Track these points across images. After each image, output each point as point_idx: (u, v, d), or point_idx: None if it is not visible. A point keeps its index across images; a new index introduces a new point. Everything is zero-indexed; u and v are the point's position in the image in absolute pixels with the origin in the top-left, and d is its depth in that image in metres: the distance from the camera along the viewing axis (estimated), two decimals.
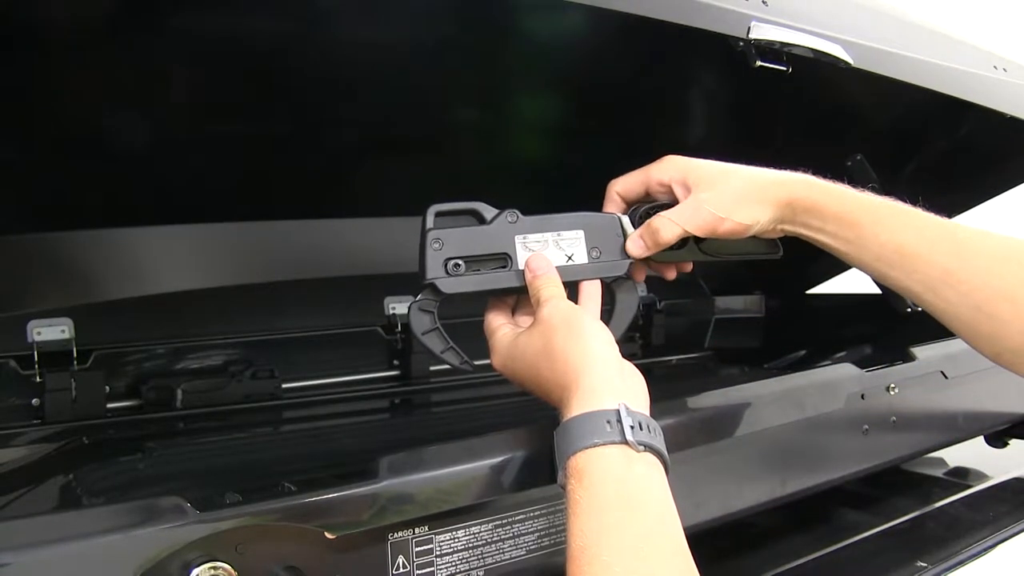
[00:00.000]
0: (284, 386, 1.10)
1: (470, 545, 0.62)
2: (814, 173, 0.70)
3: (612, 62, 1.01)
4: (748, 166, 0.71)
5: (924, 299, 0.67)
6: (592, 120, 1.15)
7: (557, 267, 0.69)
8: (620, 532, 0.51)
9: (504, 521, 0.64)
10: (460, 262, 0.68)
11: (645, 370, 0.63)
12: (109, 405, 0.99)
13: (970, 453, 1.22)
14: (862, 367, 0.95)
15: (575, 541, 0.52)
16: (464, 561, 0.62)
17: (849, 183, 0.70)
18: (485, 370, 0.70)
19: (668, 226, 0.69)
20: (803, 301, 1.64)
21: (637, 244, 0.72)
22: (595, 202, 0.74)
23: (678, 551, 0.52)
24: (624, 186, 0.74)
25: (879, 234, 0.66)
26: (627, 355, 0.63)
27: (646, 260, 0.75)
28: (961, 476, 1.21)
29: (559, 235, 0.71)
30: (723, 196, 0.68)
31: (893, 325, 1.31)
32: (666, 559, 0.51)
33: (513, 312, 0.72)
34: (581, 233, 0.72)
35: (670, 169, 0.71)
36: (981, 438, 1.22)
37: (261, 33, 0.81)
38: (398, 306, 1.20)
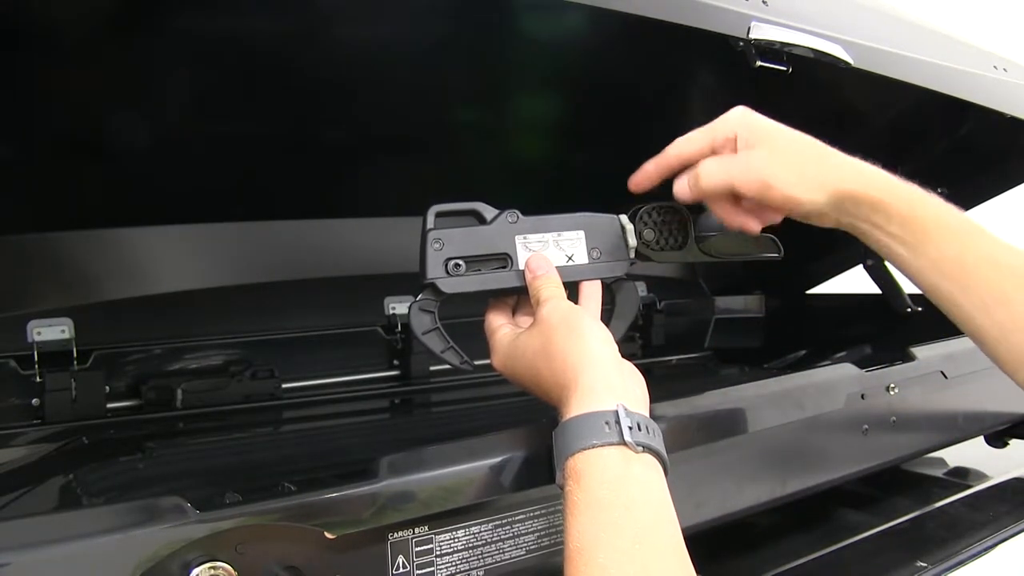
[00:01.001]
0: (284, 386, 1.10)
1: (470, 545, 0.62)
2: None
3: (612, 62, 1.01)
4: (818, 141, 0.67)
5: (973, 319, 0.64)
6: (592, 120, 1.15)
7: (557, 267, 0.69)
8: (617, 533, 0.51)
9: (504, 521, 0.64)
10: (460, 262, 0.68)
11: (645, 370, 0.63)
12: (109, 405, 1.00)
13: (970, 453, 1.22)
14: (862, 367, 0.94)
15: (572, 542, 0.52)
16: (464, 561, 0.62)
17: None
18: (485, 370, 0.70)
19: (714, 172, 0.66)
20: (803, 301, 1.64)
21: (681, 184, 0.69)
22: (595, 202, 0.74)
23: (675, 552, 0.52)
24: (686, 145, 0.69)
25: (943, 244, 0.64)
26: (627, 355, 0.62)
27: (647, 260, 0.75)
28: (961, 476, 1.21)
29: (559, 235, 0.71)
30: (783, 162, 0.65)
31: (893, 325, 1.31)
32: (663, 560, 0.51)
33: (513, 312, 0.72)
34: (581, 234, 0.72)
35: (737, 122, 0.68)
36: (981, 438, 1.22)
37: (261, 33, 0.81)
38: (398, 306, 1.20)
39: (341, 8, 0.81)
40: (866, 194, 0.65)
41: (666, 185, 0.72)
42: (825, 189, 0.65)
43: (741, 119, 0.68)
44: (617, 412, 0.56)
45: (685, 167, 0.70)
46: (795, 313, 1.62)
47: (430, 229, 0.68)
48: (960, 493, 1.09)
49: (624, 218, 0.74)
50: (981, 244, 0.64)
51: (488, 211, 0.70)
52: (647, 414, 0.58)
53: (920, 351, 1.02)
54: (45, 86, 0.79)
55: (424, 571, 0.60)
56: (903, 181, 0.66)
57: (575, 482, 0.54)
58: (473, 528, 0.62)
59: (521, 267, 0.69)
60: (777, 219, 0.70)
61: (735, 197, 0.69)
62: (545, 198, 0.77)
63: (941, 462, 1.25)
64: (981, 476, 1.19)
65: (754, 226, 0.70)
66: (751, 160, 0.66)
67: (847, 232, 0.69)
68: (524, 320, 0.70)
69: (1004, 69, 1.14)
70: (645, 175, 0.72)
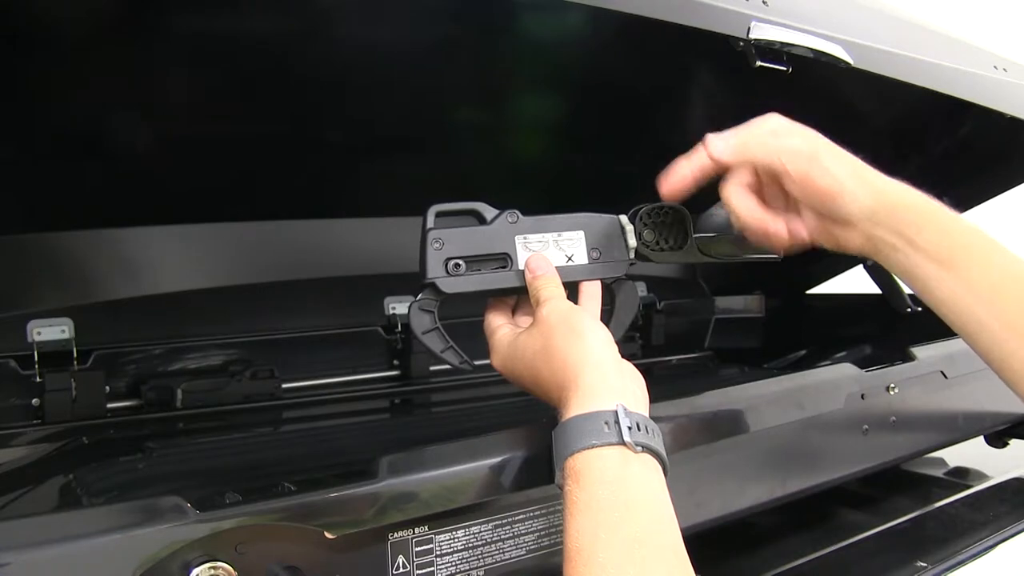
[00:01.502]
0: (284, 386, 1.10)
1: (470, 545, 0.62)
2: None
3: (612, 62, 1.01)
4: None
5: (1002, 344, 0.61)
6: (592, 120, 1.15)
7: (557, 267, 0.69)
8: (616, 533, 0.51)
9: (504, 521, 0.64)
10: (460, 262, 0.68)
11: (645, 370, 0.63)
12: (109, 405, 0.99)
13: (970, 453, 1.22)
14: (862, 367, 0.95)
15: (571, 542, 0.52)
16: (464, 561, 0.62)
17: None
18: (485, 370, 0.70)
19: (763, 141, 0.64)
20: (803, 301, 1.64)
21: (719, 143, 0.65)
22: (595, 202, 0.74)
23: (675, 552, 0.52)
24: (727, 146, 0.65)
25: (972, 260, 0.61)
26: (627, 355, 0.63)
27: (647, 260, 0.75)
28: (961, 476, 1.21)
29: (559, 235, 0.71)
30: (833, 152, 0.63)
31: (893, 325, 1.31)
32: (662, 560, 0.51)
33: (513, 312, 0.72)
34: (581, 234, 0.72)
35: (777, 121, 0.65)
36: (981, 438, 1.22)
37: (262, 33, 0.81)
38: (398, 306, 1.20)
39: (341, 8, 0.81)
40: (912, 203, 0.63)
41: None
42: (874, 189, 0.62)
43: (779, 119, 0.66)
44: (616, 412, 0.56)
45: (724, 170, 0.66)
46: (795, 313, 1.62)
47: (430, 229, 0.68)
48: (960, 493, 1.09)
49: (624, 218, 0.74)
50: (1007, 262, 0.62)
51: (488, 211, 0.70)
52: (647, 414, 0.58)
53: (920, 351, 1.02)
54: (45, 86, 0.79)
55: (424, 571, 0.60)
56: (930, 197, 0.64)
57: (574, 482, 0.54)
58: (473, 528, 0.62)
59: (521, 267, 0.69)
60: (800, 232, 0.66)
61: (760, 186, 0.66)
62: (545, 198, 0.77)
63: (941, 462, 1.25)
64: (981, 476, 1.19)
65: (770, 228, 0.66)
66: (802, 139, 0.64)
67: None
68: (524, 320, 0.70)
69: (1004, 69, 1.14)
70: (680, 179, 0.67)
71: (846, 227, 0.64)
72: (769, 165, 0.64)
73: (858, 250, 0.65)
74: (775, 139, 0.64)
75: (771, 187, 0.66)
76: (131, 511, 0.50)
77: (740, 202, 0.66)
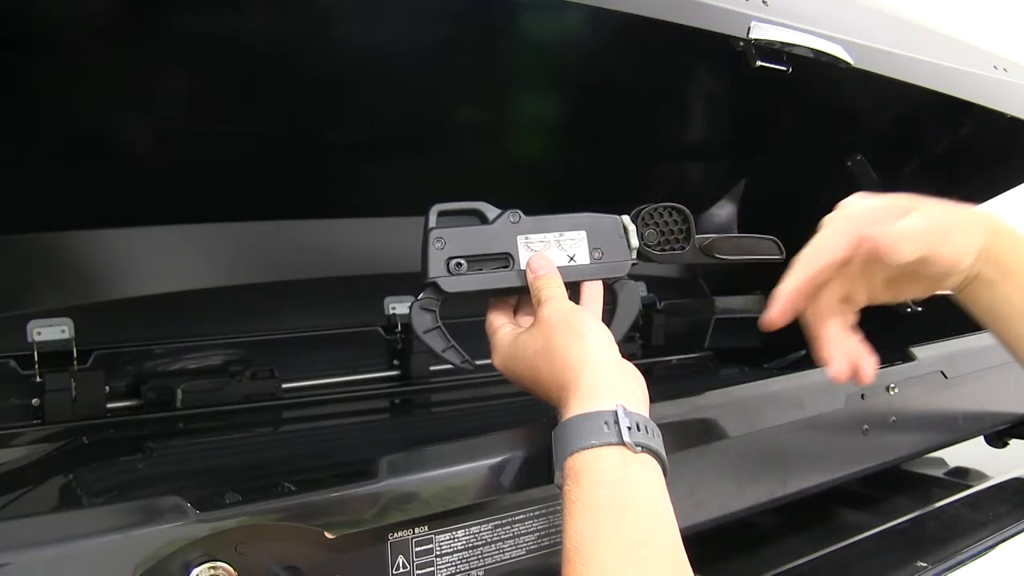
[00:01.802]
0: (284, 386, 1.10)
1: (470, 545, 0.62)
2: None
3: (612, 62, 1.01)
4: None
5: None
6: (592, 120, 1.15)
7: (559, 267, 0.69)
8: (615, 533, 0.51)
9: (504, 521, 0.64)
10: (462, 261, 0.68)
11: (645, 370, 0.63)
12: (109, 405, 0.99)
13: (970, 453, 1.22)
14: None
15: (570, 542, 0.52)
16: (464, 561, 0.62)
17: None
18: (485, 370, 0.70)
19: (914, 231, 0.57)
20: None
21: (899, 240, 0.57)
22: (597, 202, 0.74)
23: (673, 553, 0.52)
24: (828, 252, 0.61)
25: None
26: (627, 355, 0.63)
27: (649, 260, 0.75)
28: (961, 476, 1.21)
29: (561, 235, 0.71)
30: (945, 211, 0.59)
31: (893, 325, 1.31)
32: (661, 560, 0.51)
33: (515, 312, 0.72)
34: (583, 234, 0.72)
35: (869, 205, 0.61)
36: (981, 438, 1.22)
37: (261, 33, 0.81)
38: (398, 306, 1.20)
39: (341, 8, 0.81)
40: (998, 228, 0.61)
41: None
42: (976, 230, 0.60)
43: (871, 201, 0.62)
44: (616, 412, 0.56)
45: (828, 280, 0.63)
46: None
47: (432, 228, 0.68)
48: (960, 493, 1.09)
49: (626, 218, 0.74)
50: None
51: (490, 211, 0.70)
52: (647, 414, 0.58)
53: (920, 351, 1.02)
54: (45, 86, 0.79)
55: (424, 571, 0.60)
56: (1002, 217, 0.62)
57: (574, 482, 0.54)
58: (473, 528, 0.62)
59: (523, 267, 0.69)
60: (890, 297, 0.64)
61: (843, 288, 0.64)
62: (546, 198, 0.77)
63: (941, 462, 1.26)
64: (981, 476, 1.19)
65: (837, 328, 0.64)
66: (926, 218, 0.59)
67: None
68: (525, 320, 0.70)
69: (1004, 69, 1.14)
70: (790, 305, 0.64)
71: (950, 279, 0.62)
72: (918, 253, 0.58)
73: (948, 289, 0.63)
74: (919, 228, 0.58)
75: (863, 278, 0.64)
76: (131, 511, 0.50)
77: (840, 340, 0.65)
